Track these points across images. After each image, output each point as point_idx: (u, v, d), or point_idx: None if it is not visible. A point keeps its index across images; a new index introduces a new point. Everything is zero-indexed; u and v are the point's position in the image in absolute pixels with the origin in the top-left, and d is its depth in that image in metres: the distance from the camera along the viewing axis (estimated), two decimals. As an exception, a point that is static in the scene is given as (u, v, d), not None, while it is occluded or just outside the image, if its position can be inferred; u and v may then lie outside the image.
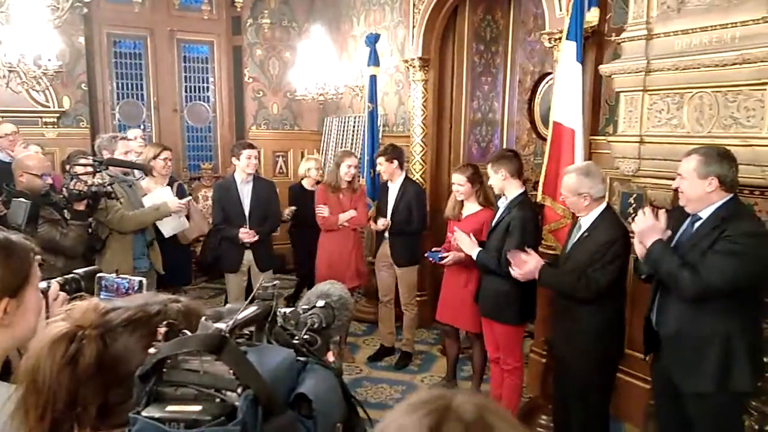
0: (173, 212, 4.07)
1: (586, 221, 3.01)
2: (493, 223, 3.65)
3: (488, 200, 3.92)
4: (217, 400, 0.72)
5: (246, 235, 4.44)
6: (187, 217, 4.45)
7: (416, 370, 4.82)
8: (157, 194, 4.24)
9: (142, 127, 6.79)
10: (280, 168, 7.72)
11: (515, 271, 3.18)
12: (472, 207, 3.98)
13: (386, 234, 4.72)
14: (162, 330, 0.78)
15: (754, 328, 2.51)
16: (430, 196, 5.37)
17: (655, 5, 3.03)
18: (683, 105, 2.92)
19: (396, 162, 4.64)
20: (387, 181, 4.77)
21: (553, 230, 3.59)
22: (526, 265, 3.14)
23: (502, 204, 3.62)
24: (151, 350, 0.75)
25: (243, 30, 7.33)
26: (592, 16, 3.45)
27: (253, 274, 4.64)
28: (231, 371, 0.73)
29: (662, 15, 2.99)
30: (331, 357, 1.07)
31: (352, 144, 6.67)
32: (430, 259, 4.06)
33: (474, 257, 3.60)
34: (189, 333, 0.78)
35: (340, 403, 0.93)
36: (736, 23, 2.68)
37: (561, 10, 3.73)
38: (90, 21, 6.59)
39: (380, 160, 4.68)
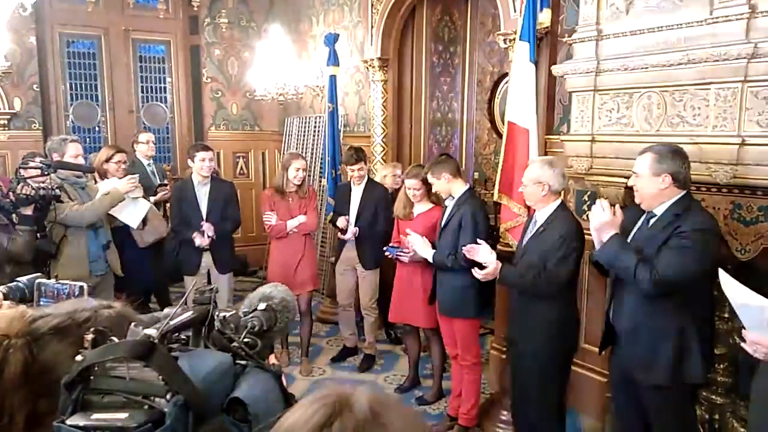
0: (124, 193, 3.91)
1: (541, 216, 3.06)
2: (443, 222, 3.69)
3: (439, 198, 3.96)
4: (146, 406, 0.71)
5: (200, 239, 4.38)
6: (144, 221, 4.35)
7: (379, 369, 4.83)
8: (105, 185, 4.10)
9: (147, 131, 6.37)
10: (241, 169, 7.64)
11: (478, 273, 3.22)
12: (423, 206, 4.02)
13: (348, 239, 4.66)
14: (89, 337, 0.77)
15: (705, 321, 2.59)
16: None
17: (604, 7, 3.08)
18: (632, 104, 2.99)
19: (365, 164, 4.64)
20: (349, 183, 4.74)
21: (509, 228, 3.64)
22: (478, 252, 3.20)
23: (450, 202, 3.67)
24: (78, 358, 0.73)
25: (200, 29, 7.24)
26: (544, 17, 3.50)
27: (212, 277, 4.58)
28: (160, 377, 0.72)
29: (611, 16, 3.05)
30: (273, 360, 1.06)
31: (313, 144, 6.64)
32: (388, 253, 4.06)
33: (430, 259, 3.63)
34: (118, 340, 0.77)
35: (278, 405, 0.92)
36: (681, 24, 2.75)
37: (515, 11, 3.78)
38: (42, 20, 6.41)
39: (360, 164, 4.57)
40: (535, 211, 3.14)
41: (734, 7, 2.50)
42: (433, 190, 3.73)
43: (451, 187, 3.61)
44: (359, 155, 4.60)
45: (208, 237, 4.38)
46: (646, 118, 2.93)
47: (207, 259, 4.51)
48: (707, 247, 2.43)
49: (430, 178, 3.65)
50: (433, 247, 3.70)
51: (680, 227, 2.45)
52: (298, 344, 4.86)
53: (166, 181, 5.31)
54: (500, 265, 3.17)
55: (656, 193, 2.52)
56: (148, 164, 5.41)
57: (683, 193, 2.53)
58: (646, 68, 2.86)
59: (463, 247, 3.32)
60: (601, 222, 2.62)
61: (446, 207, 3.72)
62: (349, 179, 4.77)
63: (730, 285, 2.13)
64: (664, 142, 2.62)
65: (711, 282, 2.57)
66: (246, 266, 7.20)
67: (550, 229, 3.00)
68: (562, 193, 3.18)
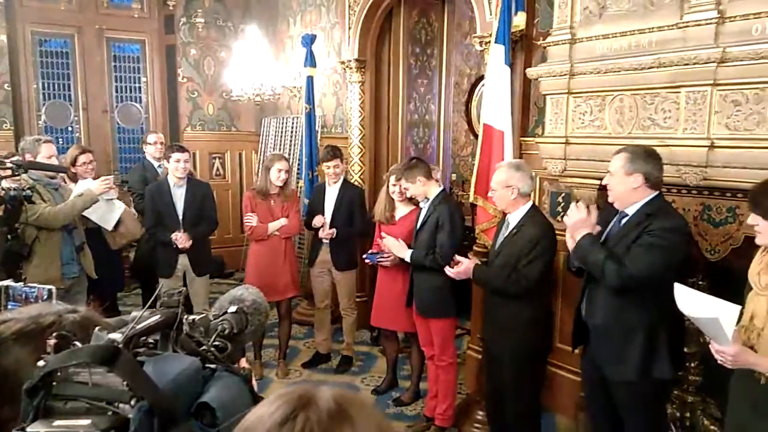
0: (98, 194, 3.84)
1: (513, 218, 3.10)
2: (418, 223, 3.71)
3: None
4: (109, 413, 0.70)
5: (179, 239, 4.33)
6: (118, 224, 4.30)
7: (357, 371, 4.82)
8: (80, 186, 4.04)
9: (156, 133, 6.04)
10: (217, 170, 7.57)
11: (450, 271, 3.27)
12: (405, 208, 4.02)
13: (324, 239, 4.62)
14: (51, 342, 0.75)
15: (674, 319, 2.63)
16: (368, 197, 5.37)
17: (578, 10, 3.11)
18: (605, 107, 3.02)
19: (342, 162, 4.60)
20: (324, 183, 4.72)
21: (485, 230, 3.67)
22: (459, 266, 3.25)
23: (425, 204, 3.70)
24: (40, 363, 0.72)
25: (176, 29, 7.15)
26: (519, 20, 3.53)
27: (189, 279, 4.54)
28: (124, 383, 0.71)
29: (585, 20, 3.09)
30: (244, 363, 1.06)
31: (290, 145, 6.61)
32: (368, 261, 4.07)
33: (408, 259, 3.64)
34: (82, 344, 0.75)
35: (247, 409, 0.91)
36: (652, 28, 2.79)
37: (491, 15, 3.80)
38: (12, 18, 6.29)
39: (336, 161, 4.51)
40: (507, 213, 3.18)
41: (704, 12, 2.54)
42: (408, 195, 3.75)
43: (426, 190, 3.64)
44: (336, 152, 4.57)
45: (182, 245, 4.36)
46: (618, 120, 2.97)
47: (183, 261, 4.47)
48: (676, 246, 2.48)
49: (405, 183, 3.69)
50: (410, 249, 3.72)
51: (650, 226, 2.50)
52: (276, 346, 4.84)
53: None
54: (473, 264, 3.21)
55: (628, 191, 2.57)
56: (158, 165, 5.35)
57: (655, 194, 2.57)
58: (618, 71, 2.89)
59: (447, 269, 3.33)
60: (576, 221, 2.68)
61: (422, 208, 3.74)
62: (325, 180, 4.74)
63: (683, 299, 2.21)
64: (639, 144, 2.67)
65: (681, 281, 2.62)
66: (223, 268, 7.14)
67: (523, 231, 3.04)
68: (532, 194, 3.23)
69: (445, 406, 3.78)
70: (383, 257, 3.95)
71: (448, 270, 3.29)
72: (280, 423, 0.64)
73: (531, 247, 2.97)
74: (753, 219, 2.13)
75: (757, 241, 2.18)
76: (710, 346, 2.17)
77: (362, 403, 0.70)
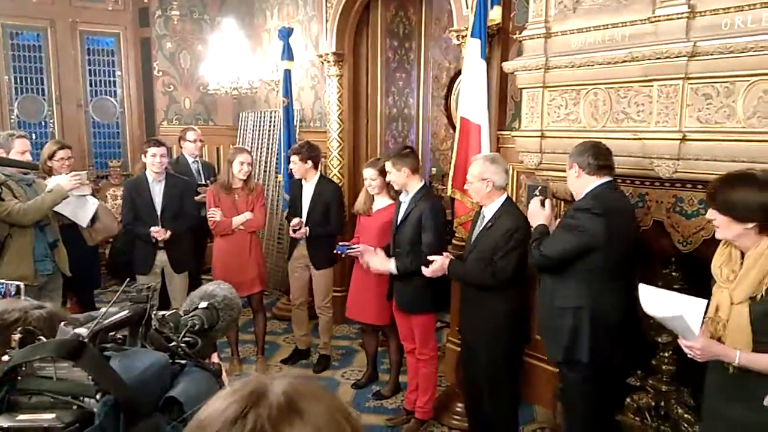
0: (68, 190, 3.73)
1: (489, 211, 3.13)
2: (399, 218, 3.68)
3: (398, 193, 3.97)
4: (74, 407, 0.70)
5: (157, 232, 4.29)
6: (93, 219, 4.24)
7: (337, 365, 4.82)
8: (52, 182, 3.96)
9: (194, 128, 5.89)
10: (195, 164, 7.49)
11: (426, 271, 3.29)
12: (382, 201, 4.02)
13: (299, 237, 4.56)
14: (16, 337, 0.75)
15: (603, 301, 2.71)
16: (347, 191, 5.37)
17: (553, 4, 3.12)
18: (580, 101, 3.05)
19: (310, 162, 4.45)
20: (301, 179, 4.69)
21: (462, 223, 3.69)
22: (434, 264, 3.27)
23: (405, 198, 3.67)
24: (5, 358, 0.71)
25: (151, 22, 7.05)
26: (495, 14, 3.55)
27: (167, 276, 4.50)
28: (90, 377, 0.71)
29: (560, 14, 3.11)
30: (215, 358, 1.05)
31: (269, 139, 6.58)
32: (338, 251, 4.05)
33: (394, 272, 3.60)
34: (45, 340, 0.75)
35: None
36: (625, 23, 2.81)
37: (467, 8, 3.81)
38: (-17, 11, 6.18)
39: (294, 158, 4.46)
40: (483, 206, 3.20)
41: (675, 6, 2.57)
42: (388, 179, 3.69)
43: (408, 182, 3.61)
44: (301, 148, 4.49)
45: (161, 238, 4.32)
46: (592, 114, 3.00)
47: (162, 258, 4.42)
48: (589, 225, 2.64)
49: (389, 167, 3.62)
50: (389, 245, 3.71)
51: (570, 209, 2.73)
52: (254, 342, 4.82)
53: (207, 182, 5.12)
54: (448, 260, 3.23)
55: (572, 181, 2.80)
56: (193, 161, 5.33)
57: (600, 181, 2.72)
58: (593, 65, 2.92)
59: (424, 270, 3.33)
60: (531, 212, 2.95)
61: (401, 203, 3.72)
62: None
63: (648, 299, 2.28)
64: (600, 139, 2.82)
65: (628, 267, 2.75)
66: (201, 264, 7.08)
67: (498, 224, 3.08)
68: (507, 186, 3.27)
69: (426, 398, 3.80)
70: (352, 249, 3.94)
71: (424, 270, 3.29)
72: (231, 421, 0.64)
73: (506, 240, 3.01)
74: (711, 213, 2.18)
75: (717, 235, 2.22)
76: (679, 341, 2.23)
77: (314, 394, 0.70)
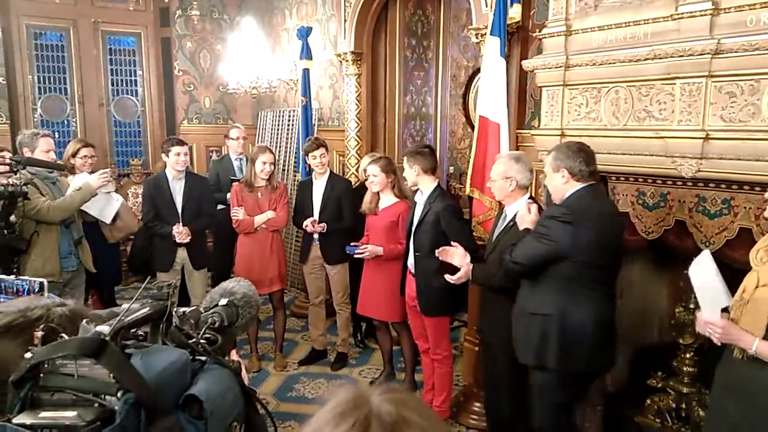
0: (96, 188, 3.82)
1: (511, 210, 3.10)
2: (416, 219, 3.64)
3: (403, 192, 3.95)
4: (95, 404, 0.70)
5: (179, 234, 4.34)
6: (115, 217, 4.30)
7: (354, 363, 4.83)
8: (77, 180, 4.03)
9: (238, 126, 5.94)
10: (214, 163, 7.56)
11: (450, 278, 3.23)
12: (387, 199, 4.00)
13: (315, 235, 4.55)
14: (39, 334, 0.75)
15: (574, 310, 2.65)
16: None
17: (573, 2, 3.10)
18: (600, 99, 3.02)
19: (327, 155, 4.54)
20: (310, 178, 4.67)
21: (481, 222, 3.66)
22: (455, 254, 3.20)
23: (420, 199, 3.65)
24: (27, 355, 0.72)
25: (172, 22, 7.13)
26: (515, 12, 3.52)
27: (187, 273, 4.54)
28: (111, 375, 0.71)
29: (580, 12, 3.08)
30: (234, 355, 1.06)
31: (287, 138, 6.60)
32: (348, 252, 4.06)
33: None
34: (70, 337, 0.75)
35: (236, 402, 0.92)
36: (647, 20, 2.78)
37: (486, 6, 3.79)
38: (7, 12, 6.27)
39: (321, 151, 4.44)
40: (505, 205, 3.17)
41: (698, 3, 2.53)
42: (403, 175, 3.65)
43: (418, 181, 3.60)
44: (319, 141, 4.54)
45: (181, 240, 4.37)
46: (613, 112, 2.97)
47: (182, 255, 4.47)
48: (555, 233, 2.59)
49: (405, 163, 3.61)
50: (407, 244, 3.70)
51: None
52: (273, 339, 4.85)
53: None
54: (470, 267, 3.19)
55: (558, 187, 2.74)
56: (236, 159, 5.38)
57: (580, 186, 2.68)
58: (614, 63, 2.89)
59: (437, 251, 3.27)
60: (519, 216, 2.93)
61: (415, 203, 3.69)
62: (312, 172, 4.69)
63: (700, 263, 2.24)
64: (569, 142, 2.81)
65: (608, 274, 2.72)
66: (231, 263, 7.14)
67: None
68: (531, 186, 3.23)
69: (442, 398, 3.79)
70: (360, 249, 3.94)
71: (448, 277, 3.23)
72: None
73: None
74: None
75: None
76: (699, 318, 2.23)
77: (416, 404, 0.73)
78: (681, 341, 3.13)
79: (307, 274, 4.78)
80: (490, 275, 3.13)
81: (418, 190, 3.68)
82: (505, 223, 3.12)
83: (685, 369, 3.14)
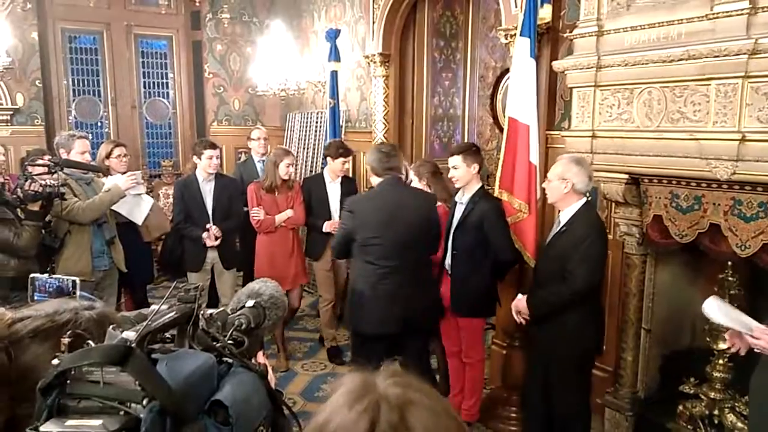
0: (126, 188, 3.86)
1: (564, 216, 3.04)
2: (456, 219, 3.57)
3: (443, 195, 3.91)
4: (121, 412, 0.70)
5: (209, 238, 4.41)
6: (146, 218, 4.36)
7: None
8: (110, 181, 4.10)
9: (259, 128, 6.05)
10: (243, 165, 7.63)
11: (519, 317, 3.25)
12: None
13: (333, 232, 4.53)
14: (66, 340, 0.76)
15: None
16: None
17: (605, 2, 3.04)
18: (633, 100, 2.96)
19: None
20: (321, 176, 4.76)
21: (510, 224, 3.62)
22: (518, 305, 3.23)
23: (462, 199, 3.58)
24: (54, 362, 0.73)
25: (202, 25, 7.22)
26: (545, 12, 3.48)
27: (216, 273, 4.60)
28: (136, 382, 0.71)
29: (612, 12, 3.02)
30: (261, 358, 1.06)
31: (315, 140, 6.63)
32: None
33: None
34: (98, 342, 0.76)
35: (262, 406, 0.91)
36: (681, 20, 2.72)
37: (516, 7, 3.75)
38: (43, 16, 6.42)
39: (350, 158, 4.63)
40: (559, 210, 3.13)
41: (735, 2, 2.46)
42: (452, 175, 3.57)
43: (472, 180, 3.53)
44: (350, 149, 4.70)
45: (216, 237, 4.44)
46: (646, 113, 2.91)
47: (212, 255, 4.53)
48: None
49: (458, 162, 3.50)
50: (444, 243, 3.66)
51: None
52: (300, 339, 4.88)
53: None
54: (524, 298, 3.18)
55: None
56: (259, 160, 5.47)
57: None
58: (647, 64, 2.83)
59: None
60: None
61: (455, 203, 3.63)
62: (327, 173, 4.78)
63: (705, 310, 2.40)
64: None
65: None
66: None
67: (570, 230, 2.97)
68: (588, 194, 3.14)
69: (472, 402, 3.76)
70: None
71: (516, 317, 3.25)
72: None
73: (574, 250, 2.90)
74: None
75: None
76: (747, 339, 2.23)
77: (420, 386, 0.77)
78: (714, 347, 3.05)
79: (317, 270, 4.88)
80: (546, 303, 3.08)
81: (459, 189, 3.61)
82: (558, 228, 3.05)
83: (718, 375, 3.06)
